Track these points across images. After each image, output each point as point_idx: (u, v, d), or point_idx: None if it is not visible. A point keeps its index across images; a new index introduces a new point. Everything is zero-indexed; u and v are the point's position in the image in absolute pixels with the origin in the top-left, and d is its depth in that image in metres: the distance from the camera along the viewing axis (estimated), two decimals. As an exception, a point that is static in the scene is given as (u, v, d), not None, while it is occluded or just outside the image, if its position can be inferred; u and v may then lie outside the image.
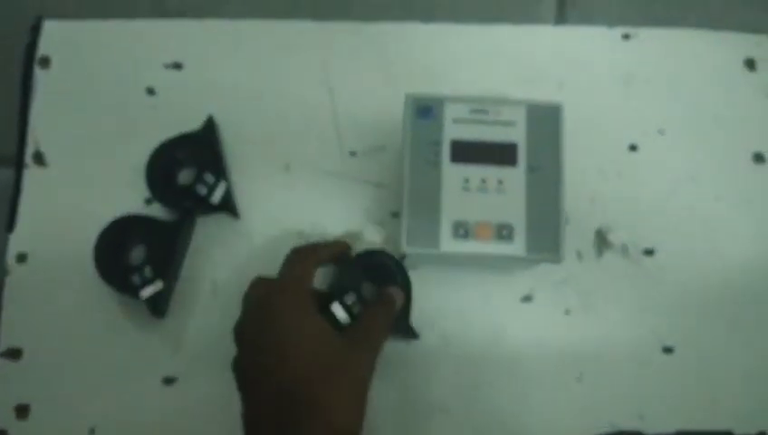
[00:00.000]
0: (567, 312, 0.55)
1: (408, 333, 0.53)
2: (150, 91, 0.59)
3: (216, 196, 0.55)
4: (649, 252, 0.56)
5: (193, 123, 0.58)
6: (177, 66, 0.60)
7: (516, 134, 0.48)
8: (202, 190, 0.55)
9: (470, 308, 0.55)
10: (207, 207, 0.55)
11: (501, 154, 0.48)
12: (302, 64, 0.60)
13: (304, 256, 0.49)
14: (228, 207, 0.56)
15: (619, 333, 0.55)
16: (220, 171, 0.56)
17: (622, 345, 0.54)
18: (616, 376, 0.54)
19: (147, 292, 0.52)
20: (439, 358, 0.54)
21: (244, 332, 0.46)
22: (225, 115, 0.58)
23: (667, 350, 0.55)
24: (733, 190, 0.58)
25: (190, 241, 0.56)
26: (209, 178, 0.55)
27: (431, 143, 0.48)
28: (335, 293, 0.50)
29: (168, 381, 0.54)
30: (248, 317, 0.47)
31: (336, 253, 0.52)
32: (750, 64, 0.61)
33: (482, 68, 0.60)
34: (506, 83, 0.59)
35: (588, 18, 0.62)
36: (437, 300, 0.55)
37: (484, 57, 0.60)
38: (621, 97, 0.60)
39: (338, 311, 0.49)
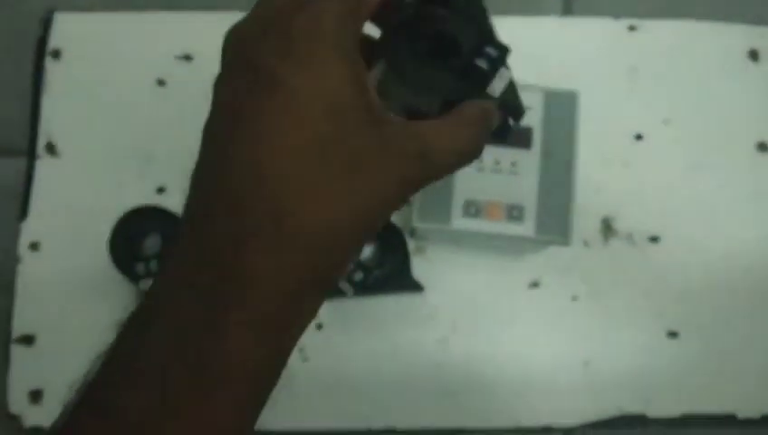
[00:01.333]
0: (574, 298, 0.56)
1: (412, 285, 0.55)
2: (161, 83, 0.61)
3: (147, 283, 0.54)
4: (654, 239, 0.58)
5: (202, 114, 0.59)
6: (188, 58, 0.61)
7: (532, 119, 0.50)
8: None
9: (478, 294, 0.56)
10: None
11: (516, 137, 0.49)
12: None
13: None
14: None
15: (625, 318, 0.56)
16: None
17: (628, 331, 0.56)
18: (622, 361, 0.55)
19: (147, 284, 0.53)
20: (447, 342, 0.55)
21: (226, 50, 0.30)
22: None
23: (672, 335, 0.56)
24: (736, 179, 0.59)
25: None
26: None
27: None
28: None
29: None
30: (253, 26, 0.29)
31: None
32: (754, 55, 0.62)
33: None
34: (514, 73, 0.61)
35: (594, 9, 0.64)
36: (446, 285, 0.56)
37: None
38: (627, 87, 0.61)
39: (342, 283, 0.43)
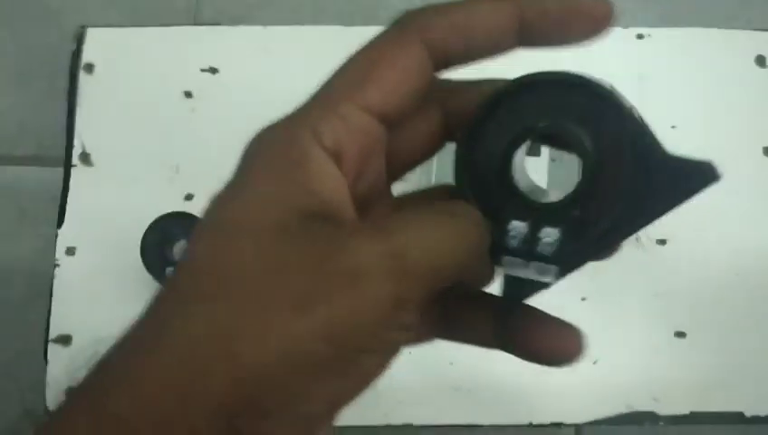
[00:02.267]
0: (583, 298, 0.58)
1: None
2: (188, 95, 0.64)
3: None
4: (662, 242, 0.60)
5: (227, 124, 0.62)
6: (213, 70, 0.64)
7: None
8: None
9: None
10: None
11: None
12: (332, 68, 0.64)
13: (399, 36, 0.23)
14: None
15: (633, 318, 0.58)
16: None
17: (636, 330, 0.58)
18: (630, 359, 0.58)
19: None
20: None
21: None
22: (258, 117, 0.62)
23: (680, 334, 0.58)
24: (744, 183, 0.61)
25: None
26: None
27: None
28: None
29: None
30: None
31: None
32: (761, 61, 0.64)
33: (497, 66, 0.64)
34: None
35: (603, 19, 0.66)
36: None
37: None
38: (635, 95, 0.63)
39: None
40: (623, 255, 0.59)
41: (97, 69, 0.65)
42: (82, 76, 0.65)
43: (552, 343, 0.25)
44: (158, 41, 0.65)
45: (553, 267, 0.23)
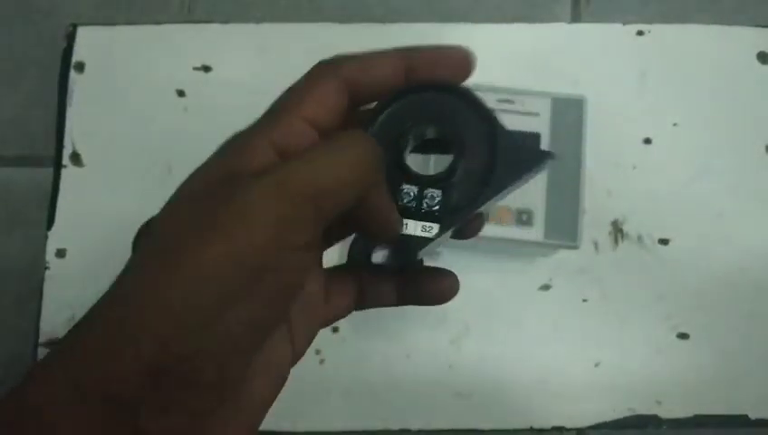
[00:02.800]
0: (585, 300, 0.57)
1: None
2: (180, 93, 0.63)
3: None
4: (664, 242, 0.59)
5: (220, 123, 0.61)
6: (206, 69, 0.63)
7: (540, 124, 0.51)
8: None
9: (490, 296, 0.57)
10: None
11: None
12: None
13: (317, 76, 0.29)
14: None
15: (635, 319, 0.57)
16: None
17: (638, 332, 0.57)
18: (633, 362, 0.57)
19: None
20: (460, 344, 0.57)
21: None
22: (252, 116, 0.61)
23: (683, 336, 0.57)
24: (746, 181, 0.60)
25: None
26: None
27: None
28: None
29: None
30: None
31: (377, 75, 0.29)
32: (763, 58, 0.63)
33: (499, 66, 0.62)
34: (524, 80, 0.62)
35: (603, 16, 0.65)
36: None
37: (501, 56, 0.63)
38: (636, 92, 0.62)
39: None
40: (625, 255, 0.58)
41: (88, 68, 0.64)
42: (73, 75, 0.64)
43: (440, 286, 0.32)
44: (151, 39, 0.64)
45: (435, 225, 0.29)
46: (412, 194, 0.29)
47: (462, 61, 0.30)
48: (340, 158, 0.25)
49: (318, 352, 0.56)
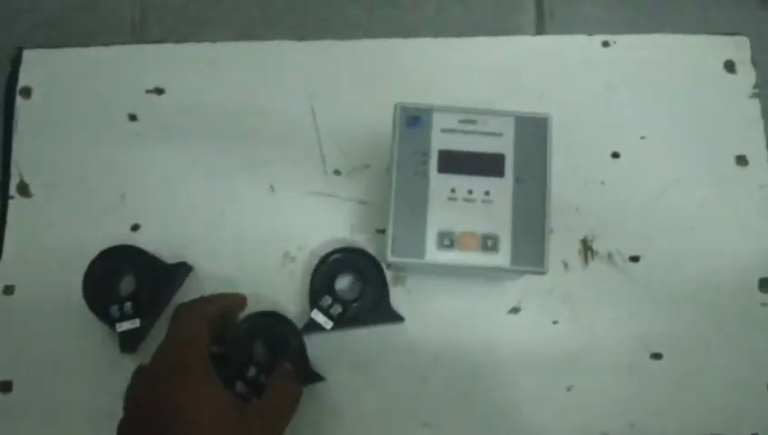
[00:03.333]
0: (555, 322, 0.56)
1: (391, 316, 0.55)
2: (133, 118, 0.61)
3: (123, 326, 0.54)
4: (635, 259, 0.58)
5: (176, 148, 0.59)
6: (159, 91, 0.61)
7: (504, 145, 0.49)
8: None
9: (458, 320, 0.56)
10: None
11: (488, 165, 0.49)
12: (284, 84, 0.61)
13: (190, 314, 0.49)
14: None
15: (608, 340, 0.56)
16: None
17: (611, 353, 0.56)
18: (606, 384, 0.55)
19: (123, 327, 0.53)
20: (427, 371, 0.55)
21: (135, 398, 0.46)
22: (208, 140, 0.60)
23: (656, 356, 0.56)
24: (716, 193, 0.59)
25: (180, 286, 0.57)
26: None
27: (419, 153, 0.49)
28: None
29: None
30: (140, 390, 0.46)
31: (224, 305, 0.52)
32: (729, 67, 0.62)
33: (464, 81, 0.61)
34: (489, 95, 0.60)
35: (568, 27, 0.64)
36: (425, 312, 0.56)
37: (465, 70, 0.62)
38: (603, 104, 0.61)
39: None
40: (595, 273, 0.57)
41: (35, 93, 0.62)
42: (19, 101, 0.61)
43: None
44: (100, 61, 0.62)
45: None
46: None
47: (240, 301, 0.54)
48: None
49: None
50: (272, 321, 0.55)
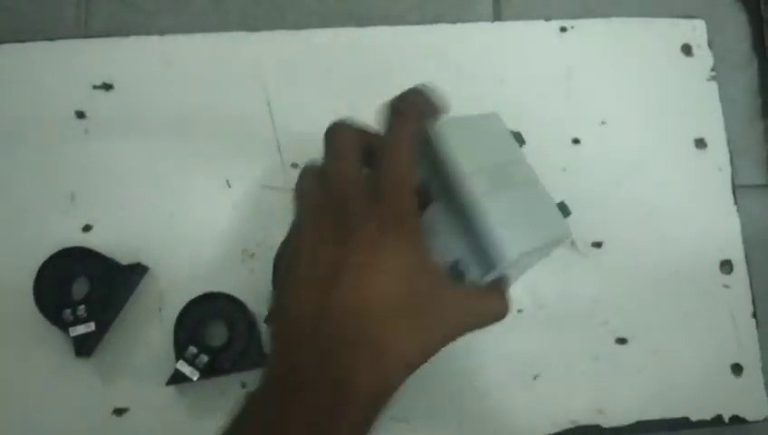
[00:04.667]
0: (519, 311, 0.57)
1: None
2: (80, 115, 0.59)
3: (77, 330, 0.53)
4: (597, 244, 0.58)
5: (126, 145, 0.58)
6: (107, 87, 0.60)
7: None
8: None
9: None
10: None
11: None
12: (238, 77, 0.60)
13: (402, 126, 0.39)
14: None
15: (572, 328, 0.57)
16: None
17: (576, 340, 0.56)
18: (572, 372, 0.56)
19: (77, 331, 0.52)
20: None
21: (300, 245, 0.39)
22: (159, 136, 0.59)
23: (621, 340, 0.57)
24: (676, 177, 0.60)
25: (135, 287, 0.56)
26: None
27: None
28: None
29: (119, 411, 0.54)
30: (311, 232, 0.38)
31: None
32: (686, 50, 0.63)
33: (421, 69, 0.61)
34: (447, 83, 0.60)
35: (525, 12, 0.64)
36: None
37: (422, 58, 0.61)
38: (562, 90, 0.62)
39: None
40: (558, 261, 0.57)
41: (-24, 91, 0.60)
42: (-41, 99, 0.60)
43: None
44: (44, 57, 0.60)
45: (198, 373, 0.52)
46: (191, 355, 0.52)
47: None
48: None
49: (243, 386, 0.54)
50: (221, 302, 0.54)
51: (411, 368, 0.39)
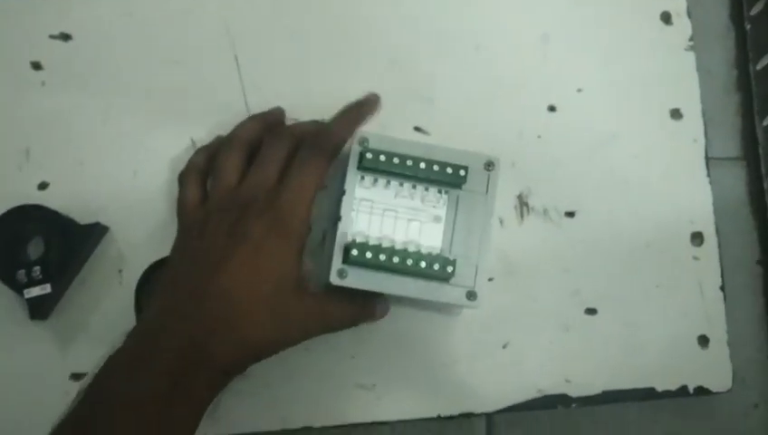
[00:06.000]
0: (490, 279, 0.57)
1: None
2: (36, 66, 0.57)
3: (32, 292, 0.51)
4: (570, 214, 0.58)
5: (85, 99, 0.56)
6: (66, 37, 0.57)
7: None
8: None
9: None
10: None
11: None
12: (204, 30, 0.58)
13: (319, 149, 0.51)
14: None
15: (543, 297, 0.57)
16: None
17: (546, 310, 0.57)
18: (541, 341, 0.56)
19: (31, 293, 0.51)
20: (359, 333, 0.54)
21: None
22: (120, 91, 0.57)
23: (590, 311, 0.57)
24: (651, 148, 0.61)
25: (94, 248, 0.55)
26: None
27: None
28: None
29: (77, 376, 0.53)
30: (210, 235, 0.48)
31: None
32: (666, 18, 0.63)
33: (396, 33, 0.60)
34: (421, 48, 0.60)
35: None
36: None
37: (398, 23, 0.60)
38: (539, 56, 0.61)
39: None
40: (530, 229, 0.57)
41: None
42: None
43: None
44: (-3, 3, 0.58)
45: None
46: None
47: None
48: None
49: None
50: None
51: (262, 355, 0.47)
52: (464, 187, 0.51)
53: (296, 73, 0.58)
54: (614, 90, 0.61)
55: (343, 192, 0.50)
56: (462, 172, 0.50)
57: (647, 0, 0.63)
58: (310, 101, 0.55)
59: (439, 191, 0.51)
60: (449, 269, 0.49)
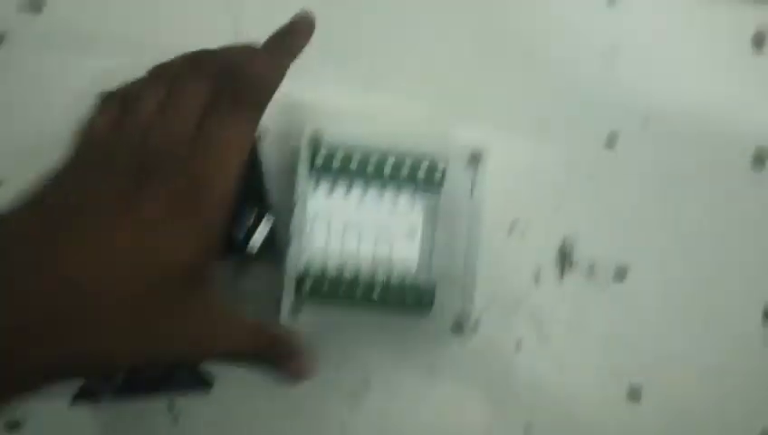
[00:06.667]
0: (518, 346, 0.48)
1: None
2: (1, 38, 0.49)
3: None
4: (621, 273, 0.49)
5: (54, 78, 0.49)
6: (36, 8, 0.50)
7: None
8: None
9: (394, 340, 0.48)
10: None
11: None
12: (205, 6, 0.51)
13: (245, 95, 0.36)
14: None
15: (579, 372, 0.48)
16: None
17: (581, 388, 0.48)
18: (571, 424, 0.48)
19: None
20: (357, 400, 0.47)
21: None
22: (93, 69, 0.49)
23: (634, 394, 0.48)
24: (727, 197, 0.51)
25: None
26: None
27: None
28: None
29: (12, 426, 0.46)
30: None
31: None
32: (758, 42, 0.53)
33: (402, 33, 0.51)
34: (474, 59, 0.51)
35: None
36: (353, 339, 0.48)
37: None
38: (603, 75, 0.52)
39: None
40: (572, 289, 0.48)
41: None
42: None
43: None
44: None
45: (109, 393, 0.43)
46: None
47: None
48: None
49: (170, 408, 0.46)
50: None
51: (108, 370, 0.38)
52: (443, 189, 0.43)
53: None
54: (687, 123, 0.52)
55: (293, 205, 0.41)
56: (438, 171, 0.42)
57: (737, 18, 0.53)
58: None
59: (413, 197, 0.43)
60: (427, 299, 0.41)
